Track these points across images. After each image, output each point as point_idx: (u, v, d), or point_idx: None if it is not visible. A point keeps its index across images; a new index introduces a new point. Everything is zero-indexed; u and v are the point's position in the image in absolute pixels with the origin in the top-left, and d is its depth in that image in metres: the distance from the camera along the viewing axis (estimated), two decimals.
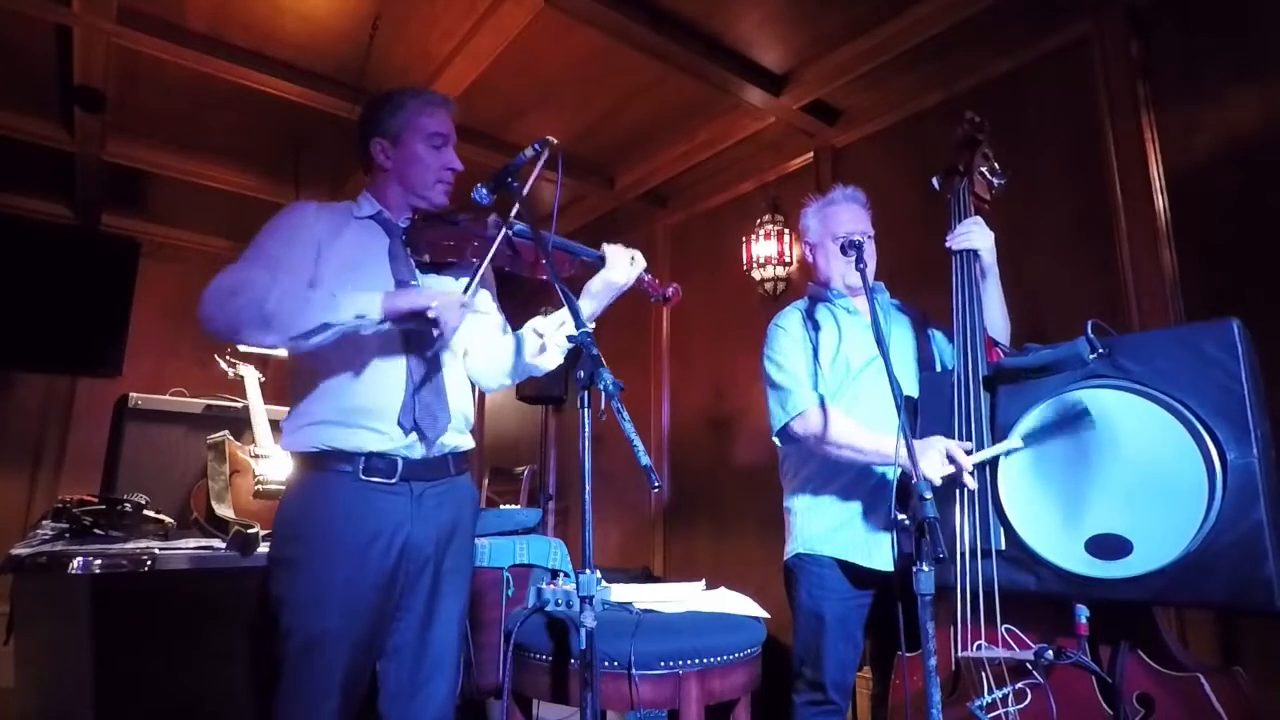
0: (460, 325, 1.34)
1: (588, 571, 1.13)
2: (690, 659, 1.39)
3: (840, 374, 1.76)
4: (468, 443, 1.51)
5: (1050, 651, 1.31)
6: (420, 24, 2.65)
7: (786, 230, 3.35)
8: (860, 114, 3.10)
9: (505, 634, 1.47)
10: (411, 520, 1.37)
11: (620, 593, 1.70)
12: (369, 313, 1.27)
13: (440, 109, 1.52)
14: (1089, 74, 2.38)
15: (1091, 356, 1.37)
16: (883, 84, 2.90)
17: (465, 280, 1.51)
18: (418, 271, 1.49)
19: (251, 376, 2.51)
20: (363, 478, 1.34)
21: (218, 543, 1.96)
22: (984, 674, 1.37)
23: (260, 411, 2.41)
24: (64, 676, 1.66)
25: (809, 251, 1.93)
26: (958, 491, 1.44)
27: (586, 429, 1.18)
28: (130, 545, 1.85)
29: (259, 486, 2.22)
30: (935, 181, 1.76)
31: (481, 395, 4.86)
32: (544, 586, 1.55)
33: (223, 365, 2.59)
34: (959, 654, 1.40)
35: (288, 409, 1.43)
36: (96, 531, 1.92)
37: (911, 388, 1.68)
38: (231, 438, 2.26)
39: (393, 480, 1.36)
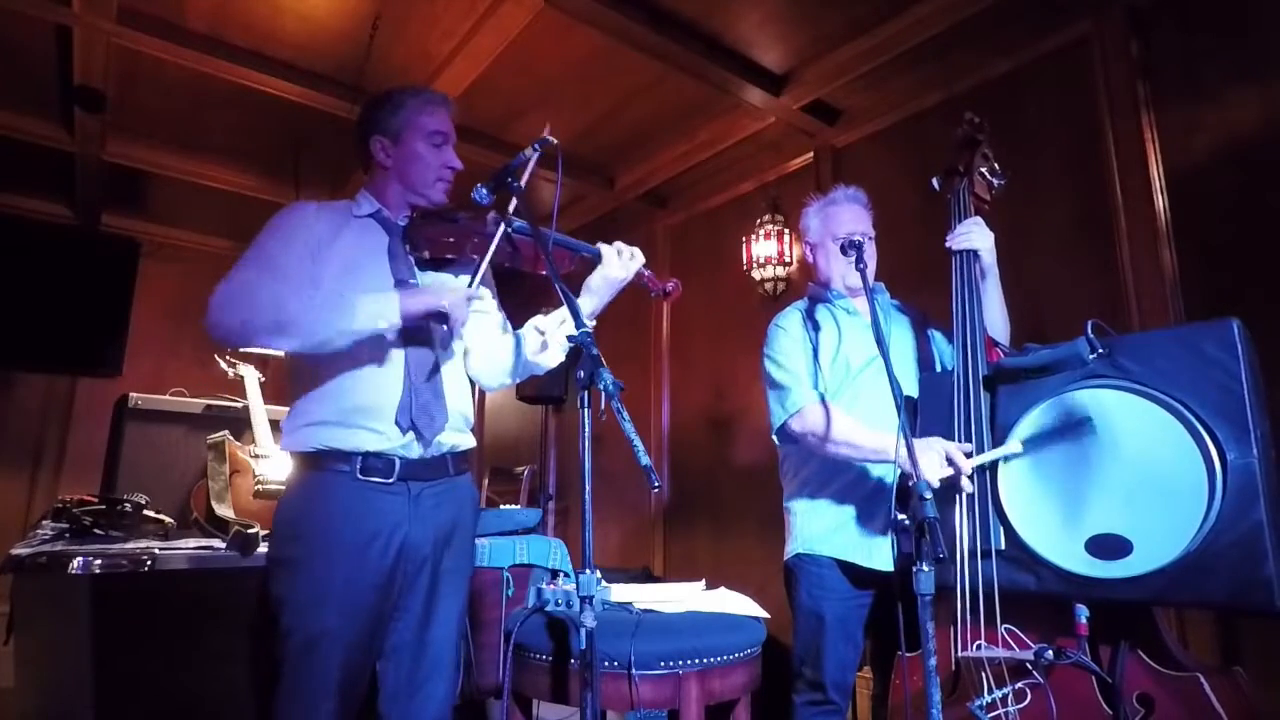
0: (468, 317, 1.37)
1: (588, 571, 1.13)
2: (690, 659, 1.38)
3: (840, 374, 1.76)
4: (467, 441, 1.50)
5: (1050, 651, 1.31)
6: (420, 24, 2.65)
7: (786, 230, 3.35)
8: (860, 114, 3.10)
9: (505, 634, 1.47)
10: (409, 520, 1.37)
11: (620, 593, 1.70)
12: (388, 319, 1.30)
13: (440, 108, 1.52)
14: (1089, 74, 2.38)
15: (1091, 356, 1.37)
16: (883, 84, 2.90)
17: (466, 277, 1.52)
18: (417, 269, 1.49)
19: (251, 376, 2.51)
20: (360, 477, 1.34)
21: (218, 543, 1.96)
22: (984, 674, 1.36)
23: (260, 411, 2.41)
24: (64, 676, 1.66)
25: (809, 251, 1.93)
26: (961, 491, 1.44)
27: (586, 429, 1.18)
28: (130, 545, 1.85)
29: (259, 486, 2.22)
30: (935, 182, 1.76)
31: (481, 395, 4.86)
32: (544, 586, 1.55)
33: (223, 365, 2.59)
34: (959, 654, 1.40)
35: (288, 409, 1.43)
36: (96, 531, 1.92)
37: (911, 388, 1.68)
38: (231, 438, 2.26)
39: (390, 480, 1.36)
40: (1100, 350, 1.36)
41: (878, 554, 1.65)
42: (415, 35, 2.71)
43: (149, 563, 1.70)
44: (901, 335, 1.83)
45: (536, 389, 3.97)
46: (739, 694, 1.48)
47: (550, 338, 1.55)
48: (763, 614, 1.62)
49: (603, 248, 1.56)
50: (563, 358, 1.58)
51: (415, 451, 1.39)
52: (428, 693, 1.40)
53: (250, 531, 1.83)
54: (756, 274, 3.42)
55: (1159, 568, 1.23)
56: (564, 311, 1.53)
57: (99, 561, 1.64)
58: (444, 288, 1.38)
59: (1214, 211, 2.09)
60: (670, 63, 2.75)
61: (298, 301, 1.29)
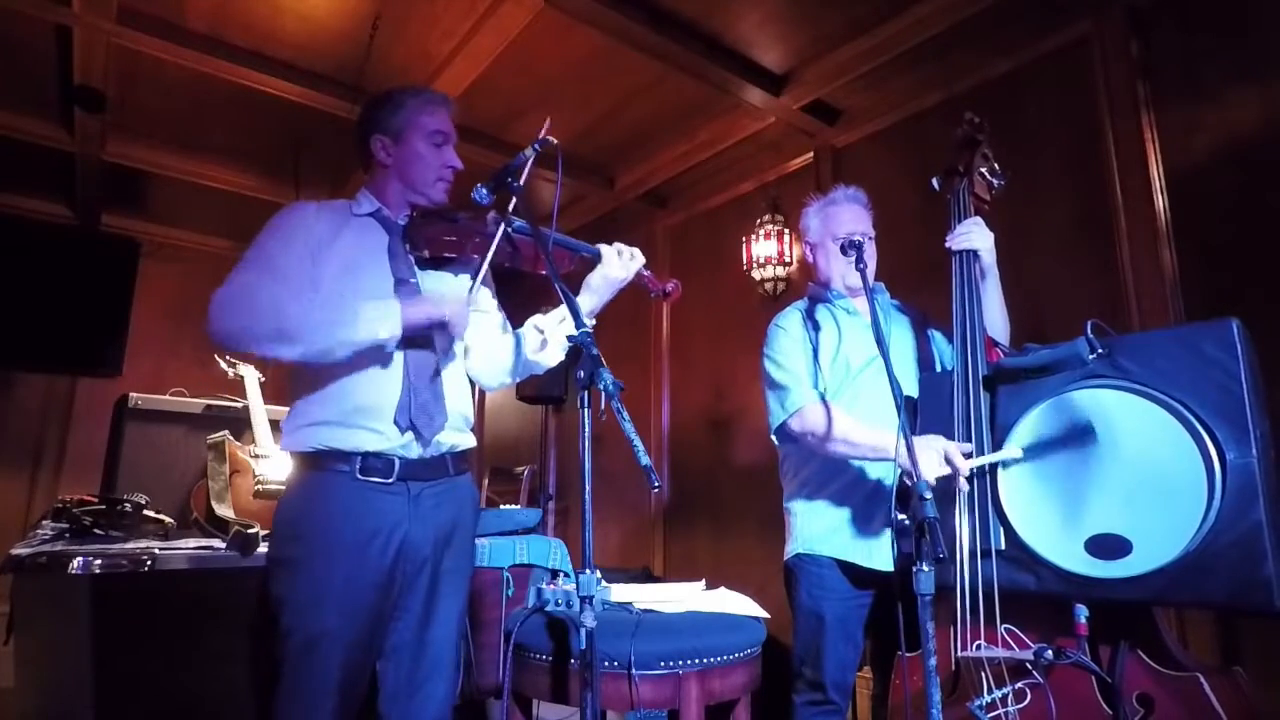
0: (468, 326, 1.39)
1: (588, 571, 1.13)
2: (690, 659, 1.38)
3: (840, 374, 1.76)
4: (467, 441, 1.50)
5: (1050, 651, 1.31)
6: (420, 24, 2.65)
7: (786, 230, 3.35)
8: (860, 114, 3.10)
9: (505, 634, 1.47)
10: (409, 520, 1.37)
11: (620, 593, 1.70)
12: (390, 329, 1.31)
13: (441, 108, 1.53)
14: (1089, 74, 2.38)
15: (1091, 356, 1.37)
16: (883, 84, 2.90)
17: (465, 276, 1.52)
18: (417, 268, 1.49)
19: (251, 376, 2.51)
20: (360, 477, 1.34)
21: (218, 543, 1.96)
22: (984, 674, 1.37)
23: (260, 411, 2.41)
24: (64, 676, 1.66)
25: (809, 251, 1.93)
26: (957, 492, 1.44)
27: (586, 429, 1.18)
28: (130, 545, 1.85)
29: (259, 486, 2.22)
30: (935, 182, 1.76)
31: (481, 395, 4.86)
32: (544, 586, 1.55)
33: (223, 365, 2.59)
34: (959, 654, 1.40)
35: (287, 409, 1.43)
36: (96, 531, 1.92)
37: (911, 388, 1.68)
38: (231, 438, 2.26)
39: (389, 480, 1.36)
40: (1100, 350, 1.36)
41: (878, 554, 1.65)
42: (415, 35, 2.71)
43: (149, 563, 1.70)
44: (901, 335, 1.83)
45: (536, 389, 3.97)
46: (739, 694, 1.48)
47: (549, 336, 1.55)
48: (763, 614, 1.62)
49: (603, 248, 1.57)
50: (562, 356, 1.59)
51: (415, 451, 1.39)
52: (428, 693, 1.40)
53: (250, 531, 1.83)
54: (756, 274, 3.42)
55: (1158, 568, 1.23)
56: (563, 309, 1.53)
57: (99, 561, 1.64)
58: (444, 297, 1.39)
59: (1214, 211, 2.09)
60: (670, 63, 2.75)
61: (299, 309, 1.29)
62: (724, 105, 3.10)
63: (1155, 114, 2.23)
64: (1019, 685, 1.35)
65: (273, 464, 2.27)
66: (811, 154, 3.32)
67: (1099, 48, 2.37)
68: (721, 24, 2.65)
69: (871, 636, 1.74)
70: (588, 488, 1.15)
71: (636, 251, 1.58)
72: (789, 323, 1.83)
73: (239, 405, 2.49)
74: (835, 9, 2.54)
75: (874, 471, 1.70)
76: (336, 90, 2.99)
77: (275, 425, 2.39)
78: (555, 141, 1.43)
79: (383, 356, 1.39)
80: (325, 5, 2.58)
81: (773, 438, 1.79)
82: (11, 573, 1.68)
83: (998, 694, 1.34)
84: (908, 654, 1.46)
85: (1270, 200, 1.97)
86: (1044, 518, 1.36)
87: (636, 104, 3.16)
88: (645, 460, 1.06)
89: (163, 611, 1.72)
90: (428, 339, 1.44)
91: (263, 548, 1.81)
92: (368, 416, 1.36)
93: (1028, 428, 1.42)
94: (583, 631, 1.13)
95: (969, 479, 1.43)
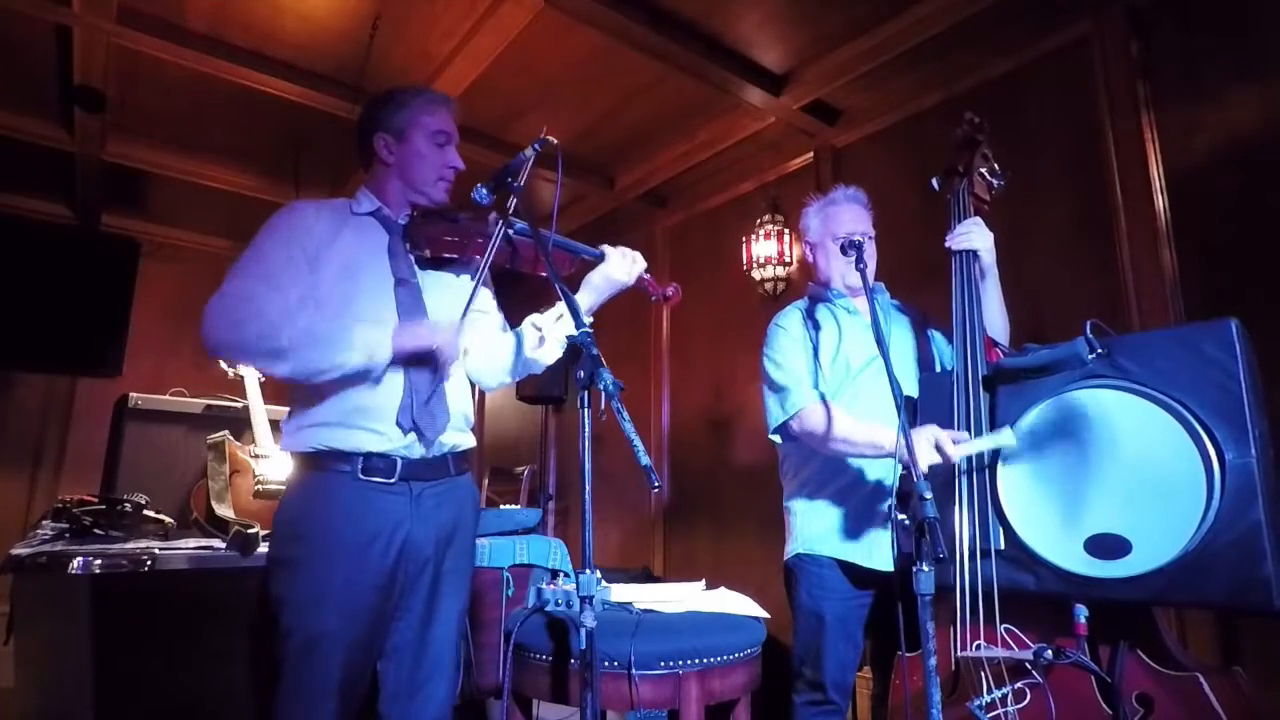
0: (458, 356, 1.43)
1: (588, 571, 1.13)
2: (690, 659, 1.39)
3: (840, 374, 1.76)
4: (468, 441, 1.51)
5: (1050, 651, 1.31)
6: (420, 24, 2.65)
7: (786, 230, 3.35)
8: (860, 114, 3.11)
9: (505, 634, 1.47)
10: (411, 520, 1.37)
11: (620, 593, 1.70)
12: (380, 357, 1.32)
13: (443, 108, 1.53)
14: (1089, 74, 2.38)
15: (1090, 356, 1.37)
16: (883, 84, 2.90)
17: (465, 276, 1.52)
18: (417, 268, 1.49)
19: (251, 377, 2.51)
20: (361, 477, 1.34)
21: (218, 543, 1.96)
22: (984, 674, 1.37)
23: (260, 411, 2.41)
24: (64, 676, 1.66)
25: (809, 251, 1.93)
26: (958, 491, 1.45)
27: (586, 429, 1.18)
28: (130, 545, 1.85)
29: (259, 486, 2.22)
30: (935, 182, 1.77)
31: (481, 395, 4.86)
32: (544, 586, 1.55)
33: (223, 365, 2.59)
34: (959, 654, 1.40)
35: (288, 409, 1.43)
36: (96, 531, 1.92)
37: (911, 388, 1.68)
38: (231, 438, 2.26)
39: (392, 480, 1.36)
40: (1099, 350, 1.36)
41: (878, 554, 1.65)
42: (415, 35, 2.71)
43: (149, 563, 1.70)
44: (901, 335, 1.83)
45: (536, 389, 3.97)
46: (739, 694, 1.48)
47: (547, 333, 1.55)
48: (763, 614, 1.62)
49: (607, 249, 1.57)
50: (560, 353, 1.59)
51: (417, 452, 1.39)
52: (428, 693, 1.40)
53: (250, 531, 1.83)
54: (756, 274, 3.42)
55: (1158, 567, 1.23)
56: (561, 306, 1.53)
57: (99, 561, 1.64)
58: (436, 326, 1.38)
59: (1214, 211, 2.09)
60: (670, 63, 2.75)
61: (291, 330, 1.28)
62: (724, 105, 3.10)
63: (1155, 114, 2.23)
64: (1019, 685, 1.35)
65: (273, 464, 2.28)
66: (811, 154, 3.32)
67: (1099, 48, 2.37)
68: (721, 24, 2.65)
69: (871, 636, 1.74)
70: (588, 488, 1.15)
71: (638, 255, 1.59)
72: (789, 322, 1.83)
73: (239, 405, 2.49)
74: (835, 9, 2.54)
75: (874, 471, 1.70)
76: (336, 90, 2.99)
77: (275, 425, 2.39)
78: (555, 141, 1.43)
79: None
80: (325, 5, 2.58)
81: (772, 437, 1.80)
82: (11, 573, 1.68)
83: (997, 694, 1.34)
84: (908, 654, 1.46)
85: (1270, 200, 1.98)
86: (1043, 518, 1.36)
87: (636, 104, 3.16)
88: (645, 460, 1.06)
89: (163, 611, 1.72)
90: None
91: (263, 548, 1.81)
92: (369, 417, 1.36)
93: (1026, 427, 1.42)
94: (583, 631, 1.13)
95: (966, 472, 1.43)
